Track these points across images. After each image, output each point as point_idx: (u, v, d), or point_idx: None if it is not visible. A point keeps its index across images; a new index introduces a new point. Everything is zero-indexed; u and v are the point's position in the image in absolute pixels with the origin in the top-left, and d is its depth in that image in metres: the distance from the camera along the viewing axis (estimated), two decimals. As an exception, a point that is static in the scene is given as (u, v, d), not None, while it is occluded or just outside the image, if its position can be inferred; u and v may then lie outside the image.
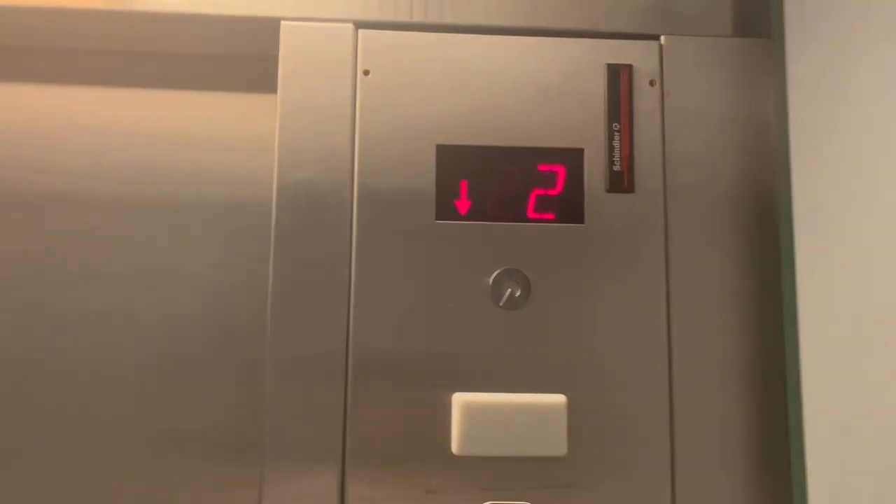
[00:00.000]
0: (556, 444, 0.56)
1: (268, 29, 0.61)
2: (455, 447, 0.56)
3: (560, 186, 0.60)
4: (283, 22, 0.61)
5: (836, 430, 0.52)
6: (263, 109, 0.64)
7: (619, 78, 0.61)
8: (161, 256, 0.64)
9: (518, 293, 0.58)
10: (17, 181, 0.64)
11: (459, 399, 0.56)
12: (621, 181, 0.60)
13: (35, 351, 0.63)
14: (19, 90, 0.65)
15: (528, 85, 0.61)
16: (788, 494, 0.57)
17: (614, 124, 0.61)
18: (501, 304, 0.58)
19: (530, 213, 0.59)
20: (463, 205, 0.59)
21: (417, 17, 0.62)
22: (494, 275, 0.58)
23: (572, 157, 0.60)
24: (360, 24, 0.61)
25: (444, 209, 0.59)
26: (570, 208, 0.60)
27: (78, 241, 0.64)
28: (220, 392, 0.63)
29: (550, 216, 0.59)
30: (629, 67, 0.61)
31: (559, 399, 0.57)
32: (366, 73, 0.60)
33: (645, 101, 0.61)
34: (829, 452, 0.52)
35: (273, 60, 0.61)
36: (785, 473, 0.57)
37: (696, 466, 0.57)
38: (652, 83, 0.61)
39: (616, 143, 0.60)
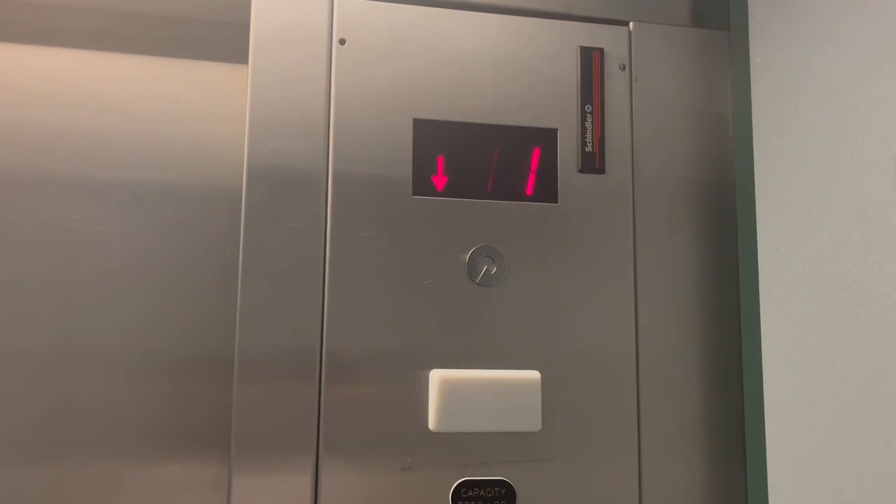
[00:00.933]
0: (530, 419, 0.57)
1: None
2: (432, 423, 0.56)
3: (535, 165, 0.60)
4: (254, -15, 0.58)
5: (795, 404, 0.55)
6: (233, 81, 0.61)
7: (591, 61, 0.62)
8: (116, 243, 0.60)
9: (494, 270, 0.58)
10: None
11: (437, 375, 0.56)
12: (593, 162, 0.61)
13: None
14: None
15: (504, 63, 0.61)
16: (744, 465, 0.60)
17: (587, 106, 0.62)
18: (478, 280, 0.58)
19: (506, 191, 0.60)
20: (440, 180, 0.59)
21: (394, -12, 0.61)
22: (471, 252, 0.58)
23: (546, 137, 0.61)
24: (335, -8, 0.59)
25: (421, 185, 0.58)
26: (544, 187, 0.60)
27: (19, 223, 0.59)
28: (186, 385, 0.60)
29: (526, 194, 0.60)
30: (601, 51, 0.63)
31: (534, 375, 0.57)
32: (342, 42, 0.59)
33: (615, 85, 0.63)
34: (786, 427, 0.55)
35: (243, 27, 0.58)
36: (742, 445, 0.61)
37: (661, 440, 0.60)
38: (622, 67, 0.63)
39: (588, 125, 0.62)
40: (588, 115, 0.62)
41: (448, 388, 0.56)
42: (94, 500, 0.57)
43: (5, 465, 0.57)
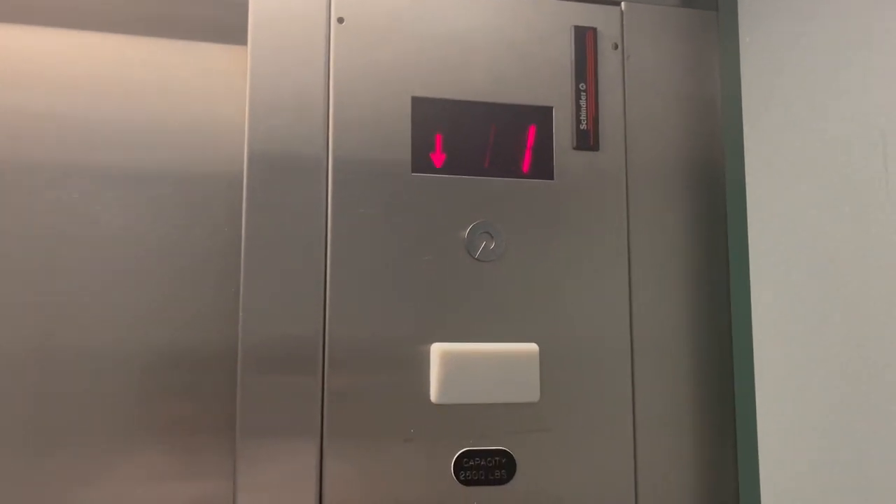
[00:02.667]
0: (529, 391, 0.58)
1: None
2: (434, 395, 0.57)
3: (531, 143, 0.61)
4: (251, -36, 0.59)
5: (784, 374, 0.57)
6: (231, 62, 0.62)
7: (585, 40, 0.63)
8: (114, 228, 0.60)
9: (492, 246, 0.60)
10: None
11: (438, 349, 0.57)
12: (587, 139, 0.62)
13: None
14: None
15: (500, 42, 0.62)
16: (734, 435, 0.62)
17: (581, 84, 0.63)
18: (476, 256, 0.59)
19: (503, 168, 0.61)
20: (438, 158, 0.60)
21: (390, -32, 0.61)
22: (469, 228, 0.59)
23: (542, 115, 0.62)
24: (333, -29, 0.60)
25: (420, 162, 0.59)
26: (540, 164, 0.61)
27: (15, 211, 0.59)
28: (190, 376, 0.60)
29: (523, 171, 0.61)
30: (594, 30, 0.64)
31: (532, 348, 0.59)
32: (340, 20, 0.59)
33: (608, 64, 0.64)
34: (776, 397, 0.57)
35: (241, 6, 0.58)
36: (733, 416, 0.62)
37: (655, 411, 0.61)
38: (615, 46, 0.64)
39: (583, 103, 0.63)
40: (582, 93, 0.63)
41: (449, 361, 0.57)
42: (99, 493, 0.58)
43: (4, 460, 0.57)
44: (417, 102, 0.60)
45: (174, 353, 0.60)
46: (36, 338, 0.58)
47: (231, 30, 0.61)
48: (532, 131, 0.61)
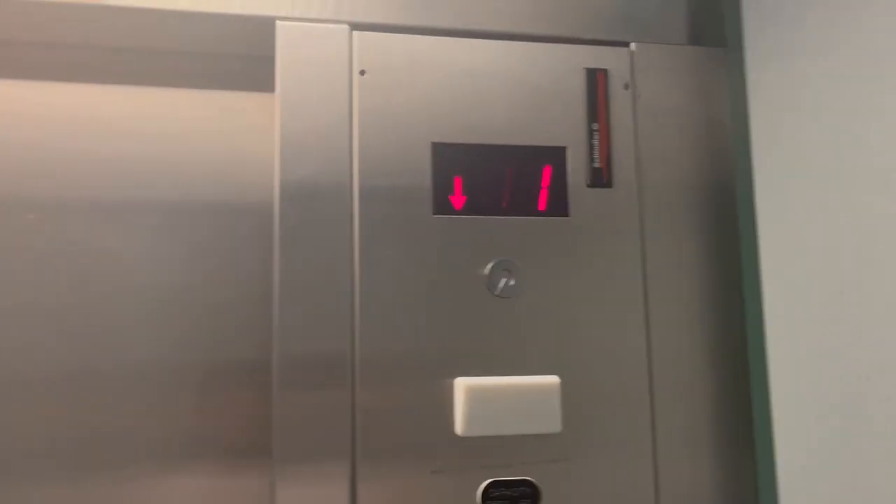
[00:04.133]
0: (551, 421, 0.60)
1: (263, 28, 0.62)
2: (459, 428, 0.59)
3: (547, 182, 0.64)
4: (277, 22, 0.62)
5: (799, 398, 0.58)
6: (258, 107, 0.66)
7: (596, 81, 0.66)
8: (152, 264, 0.64)
9: (512, 282, 0.62)
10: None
11: (462, 383, 0.59)
12: (601, 177, 0.65)
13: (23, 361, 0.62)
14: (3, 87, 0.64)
15: (514, 86, 0.65)
16: (754, 458, 0.64)
17: (593, 124, 0.65)
18: (497, 292, 0.62)
19: (520, 207, 0.63)
20: (458, 200, 0.63)
21: (408, 21, 0.64)
22: (490, 266, 0.62)
23: (556, 155, 0.65)
24: (354, 26, 0.63)
25: (441, 204, 0.62)
26: (556, 202, 0.64)
27: (59, 248, 0.63)
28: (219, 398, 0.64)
29: (539, 210, 0.63)
30: (605, 71, 0.66)
31: (553, 380, 0.61)
32: (362, 73, 0.62)
33: (619, 103, 0.66)
34: (794, 425, 0.59)
35: (267, 60, 0.62)
36: (751, 439, 0.64)
37: (675, 437, 0.63)
38: (626, 86, 0.67)
39: (595, 142, 0.65)
40: (595, 132, 0.65)
41: (473, 395, 0.59)
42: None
43: (42, 484, 0.60)
44: (437, 147, 0.63)
45: (210, 373, 0.64)
46: (78, 364, 0.62)
47: (258, 80, 0.65)
48: (547, 171, 0.64)
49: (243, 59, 0.66)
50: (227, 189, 0.66)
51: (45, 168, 0.64)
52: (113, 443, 0.62)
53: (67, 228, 0.63)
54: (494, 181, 0.63)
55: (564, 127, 0.65)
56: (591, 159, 0.65)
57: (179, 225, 0.65)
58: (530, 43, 0.66)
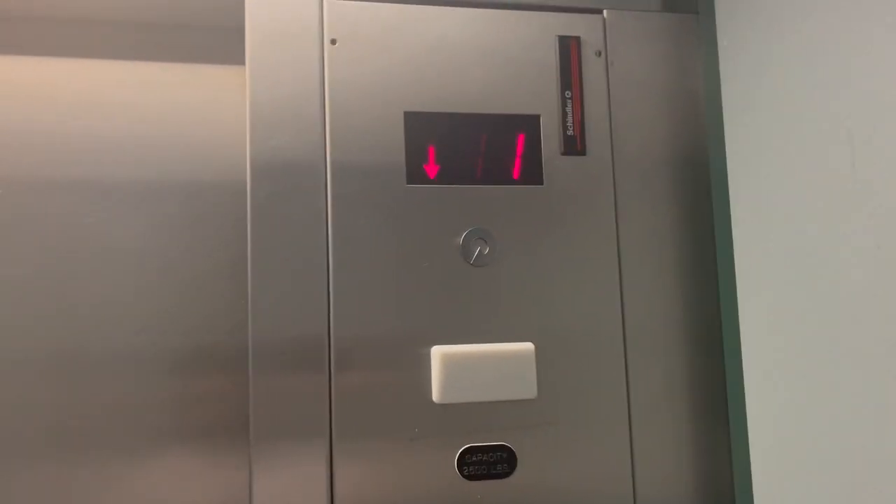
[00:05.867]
0: (527, 387, 0.61)
1: (232, -1, 0.61)
2: (436, 396, 0.60)
3: (520, 150, 0.64)
4: (247, -9, 0.61)
5: (771, 362, 0.59)
6: (228, 81, 0.65)
7: (569, 49, 0.66)
8: (125, 241, 0.64)
9: (487, 251, 0.62)
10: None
11: (438, 351, 0.60)
12: (575, 144, 0.65)
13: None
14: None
15: (487, 54, 0.65)
16: (727, 423, 0.65)
17: (566, 92, 0.65)
18: (472, 261, 0.62)
19: (494, 176, 0.63)
20: (432, 169, 0.62)
21: (379, -12, 0.64)
22: (464, 234, 0.62)
23: (530, 123, 0.65)
24: (324, -6, 0.62)
25: (414, 174, 0.62)
26: (530, 170, 0.64)
27: (25, 226, 0.62)
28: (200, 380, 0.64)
29: (513, 178, 0.64)
30: (577, 39, 0.66)
31: (528, 346, 0.61)
32: (332, 42, 0.62)
33: (592, 71, 0.66)
34: (766, 390, 0.60)
35: (237, 31, 0.61)
36: (724, 404, 0.65)
37: (649, 403, 0.64)
38: (598, 54, 0.67)
39: (569, 110, 0.65)
40: (568, 100, 0.65)
41: (449, 363, 0.60)
42: (116, 495, 0.61)
43: (21, 467, 0.60)
44: (410, 116, 0.62)
45: (190, 356, 0.63)
46: (57, 345, 0.62)
47: (228, 51, 0.64)
48: (521, 139, 0.64)
49: (214, 31, 0.65)
50: (202, 166, 0.65)
51: (9, 143, 0.63)
52: (90, 422, 0.61)
53: (32, 204, 0.62)
54: (468, 150, 0.63)
55: (537, 95, 0.65)
56: (565, 127, 0.65)
57: (147, 201, 0.64)
58: (503, 10, 0.65)
